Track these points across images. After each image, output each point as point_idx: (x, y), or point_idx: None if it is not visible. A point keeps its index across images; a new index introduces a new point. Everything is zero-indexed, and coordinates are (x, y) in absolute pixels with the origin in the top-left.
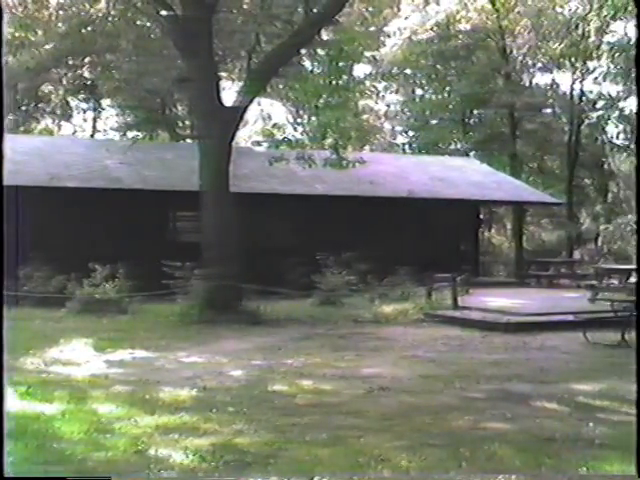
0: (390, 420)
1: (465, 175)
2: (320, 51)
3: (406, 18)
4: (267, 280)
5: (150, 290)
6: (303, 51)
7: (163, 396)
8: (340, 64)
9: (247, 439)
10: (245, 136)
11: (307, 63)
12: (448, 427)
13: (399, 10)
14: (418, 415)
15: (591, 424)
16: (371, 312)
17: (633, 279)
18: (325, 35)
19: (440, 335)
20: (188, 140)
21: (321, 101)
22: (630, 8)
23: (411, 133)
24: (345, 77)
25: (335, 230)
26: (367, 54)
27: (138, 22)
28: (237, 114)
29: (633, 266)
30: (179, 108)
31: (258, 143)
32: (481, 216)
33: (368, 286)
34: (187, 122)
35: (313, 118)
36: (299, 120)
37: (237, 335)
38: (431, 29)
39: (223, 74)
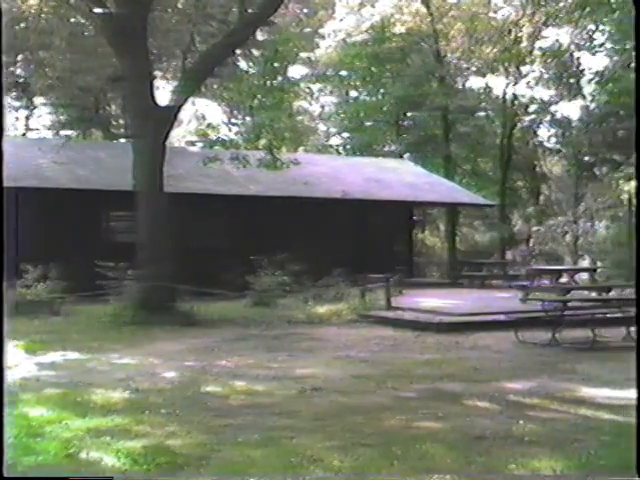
0: (322, 420)
1: (399, 177)
2: (255, 51)
3: (341, 20)
4: (201, 281)
5: (83, 291)
6: (238, 51)
7: (95, 398)
8: (275, 65)
9: (179, 441)
10: (179, 136)
11: (242, 63)
12: (380, 427)
13: (334, 12)
14: (350, 415)
15: (521, 422)
16: (305, 313)
17: (563, 279)
18: (260, 36)
19: (373, 335)
20: (122, 139)
21: (256, 102)
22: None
23: (345, 134)
24: (280, 78)
25: (270, 231)
26: (302, 55)
27: (72, 19)
28: (171, 113)
29: (563, 267)
30: (113, 107)
31: (192, 143)
32: (415, 217)
33: (302, 287)
34: (121, 121)
35: (248, 119)
36: (234, 120)
37: (171, 336)
38: (366, 31)
39: (158, 73)
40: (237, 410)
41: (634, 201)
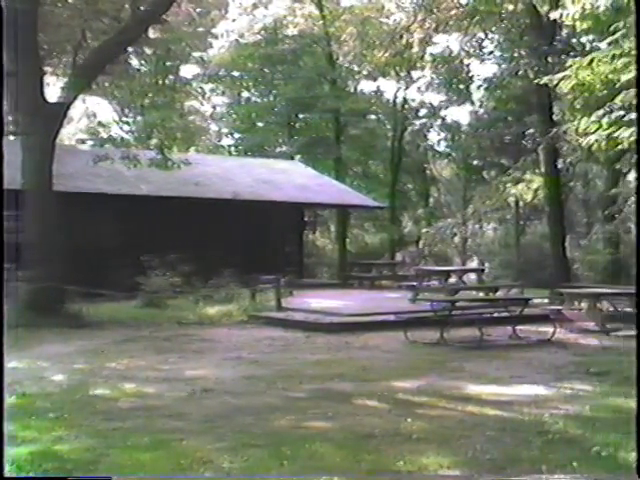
0: (212, 422)
1: (290, 178)
2: (147, 50)
3: (234, 20)
4: (91, 281)
5: None
6: (130, 49)
7: None
8: (167, 64)
9: (67, 446)
10: (70, 134)
11: (134, 61)
12: (270, 427)
13: (227, 12)
14: (240, 416)
15: (409, 419)
16: (195, 314)
17: (452, 280)
18: (152, 34)
19: (264, 336)
20: (11, 137)
21: (147, 100)
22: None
23: (237, 135)
24: (172, 77)
25: (161, 231)
26: (194, 55)
27: None
28: (61, 111)
29: (452, 267)
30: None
31: (83, 141)
32: (306, 219)
33: (193, 288)
34: (10, 118)
35: (139, 117)
36: (125, 119)
37: (59, 338)
38: (259, 33)
39: (48, 69)
40: (127, 413)
41: (521, 204)
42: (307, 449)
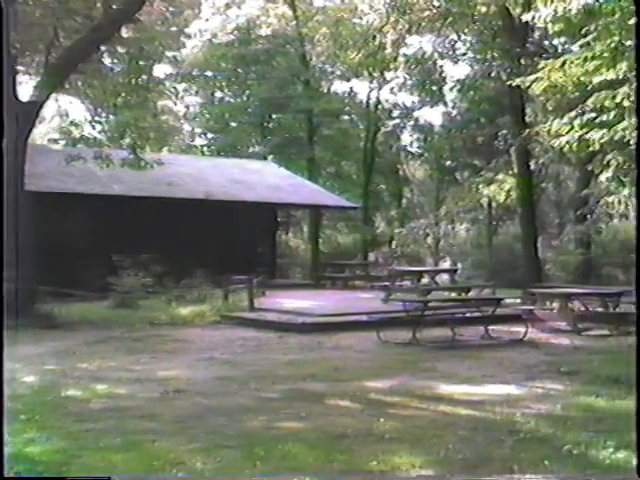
0: (185, 423)
1: (263, 178)
2: (120, 49)
3: (207, 20)
4: (63, 282)
5: None
6: (103, 48)
7: None
8: (140, 63)
9: (39, 448)
10: (42, 133)
11: (107, 60)
12: (243, 428)
13: (200, 12)
14: (213, 417)
15: (382, 419)
16: (168, 314)
17: (424, 280)
18: (125, 33)
19: (236, 337)
20: None
21: (120, 100)
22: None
23: (210, 135)
24: (145, 77)
25: (133, 231)
26: (167, 54)
27: None
28: (34, 110)
29: (424, 268)
30: None
31: (55, 141)
32: (279, 219)
33: (165, 288)
34: None
35: (112, 117)
36: (97, 118)
37: (30, 340)
38: (232, 32)
39: (20, 68)
40: (98, 414)
41: (493, 204)
42: (280, 449)
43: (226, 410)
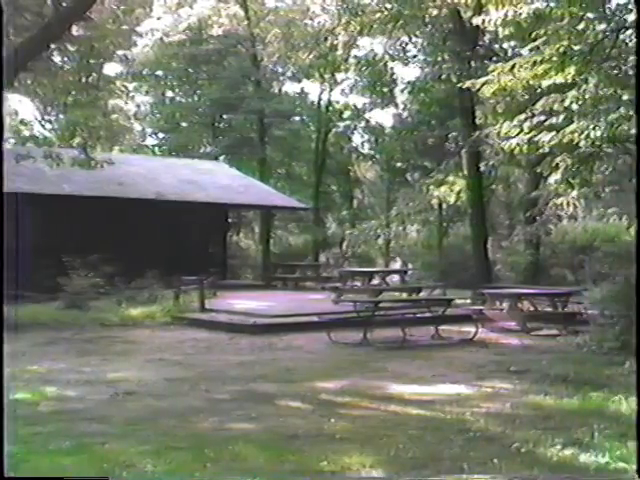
0: (135, 425)
1: (214, 179)
2: (71, 47)
3: (159, 19)
4: (12, 282)
5: None
6: (53, 46)
7: None
8: (91, 61)
9: None
10: None
11: (57, 58)
12: (193, 429)
13: (151, 10)
14: (163, 418)
15: (333, 420)
16: (118, 315)
17: (375, 281)
18: (76, 31)
19: (187, 337)
20: None
21: (70, 98)
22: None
23: (161, 135)
24: (95, 75)
25: (83, 231)
26: (118, 53)
27: None
28: None
29: (375, 269)
30: None
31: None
32: (230, 219)
33: (116, 289)
34: None
35: (62, 116)
36: (47, 117)
37: None
38: (183, 32)
39: None
40: (48, 417)
41: (444, 206)
42: (230, 451)
43: (177, 411)
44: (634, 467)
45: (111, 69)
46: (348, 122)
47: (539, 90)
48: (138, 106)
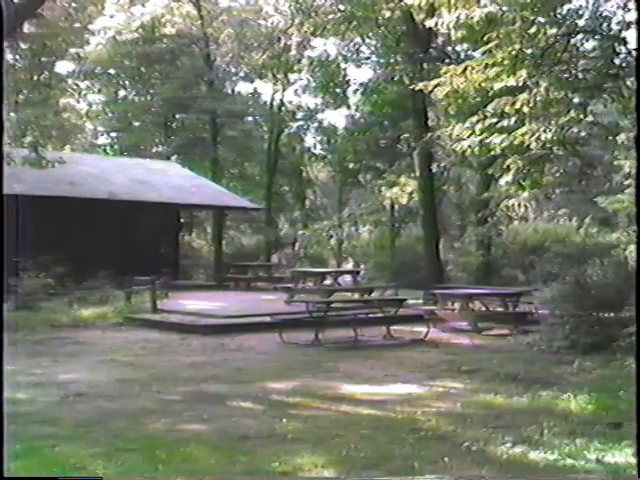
0: (86, 427)
1: (166, 179)
2: (22, 44)
3: (111, 17)
4: None
5: None
6: (4, 43)
7: None
8: (42, 59)
9: None
10: None
11: (8, 56)
12: (144, 431)
13: (104, 8)
14: (114, 420)
15: (284, 420)
16: (69, 316)
17: (328, 281)
18: (28, 28)
19: (139, 338)
20: None
21: (21, 97)
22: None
23: (113, 134)
24: (47, 73)
25: (34, 231)
26: (71, 51)
27: None
28: None
29: (327, 269)
30: None
31: None
32: (182, 220)
33: (67, 289)
34: None
35: (12, 114)
36: None
37: None
38: (136, 31)
39: None
40: None
41: (396, 206)
42: (182, 452)
43: (128, 413)
44: (583, 464)
45: (63, 67)
46: (301, 123)
47: (491, 92)
48: (90, 105)
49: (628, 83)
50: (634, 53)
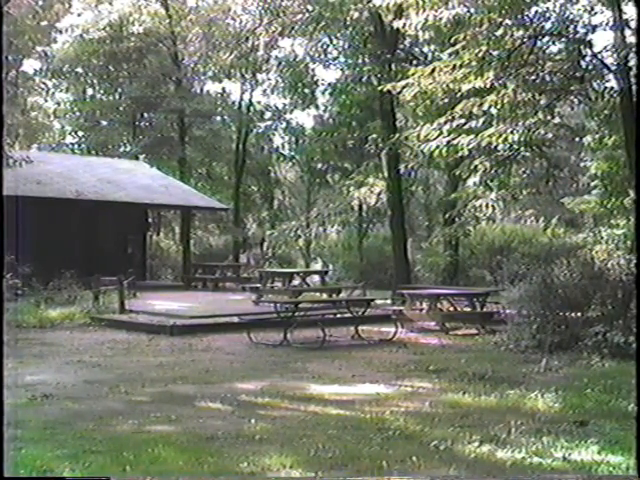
0: (52, 429)
1: (134, 178)
2: None
3: (79, 15)
4: None
5: None
6: None
7: None
8: (9, 58)
9: None
10: None
11: None
12: (112, 432)
13: (71, 6)
14: (81, 421)
15: (252, 421)
16: (36, 317)
17: (296, 281)
18: None
19: (106, 339)
20: None
21: None
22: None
23: (81, 133)
24: (14, 72)
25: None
26: (37, 49)
27: None
28: None
29: (295, 269)
30: None
31: None
32: (149, 219)
33: (33, 290)
34: None
35: None
36: None
37: None
38: (104, 29)
39: None
40: None
41: (364, 207)
42: (149, 453)
43: (95, 414)
44: (550, 462)
45: (30, 66)
46: (269, 123)
47: (459, 94)
48: (58, 103)
49: (594, 85)
50: (600, 55)
